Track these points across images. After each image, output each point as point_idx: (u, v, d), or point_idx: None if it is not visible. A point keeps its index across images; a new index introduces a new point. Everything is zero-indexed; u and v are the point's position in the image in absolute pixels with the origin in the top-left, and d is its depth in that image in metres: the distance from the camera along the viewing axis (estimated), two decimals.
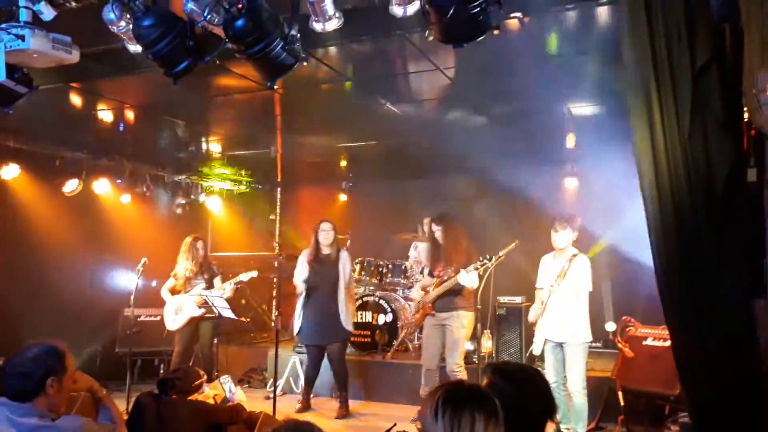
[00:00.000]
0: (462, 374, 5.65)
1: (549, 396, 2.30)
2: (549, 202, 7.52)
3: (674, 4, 2.62)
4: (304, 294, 6.41)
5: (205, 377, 4.57)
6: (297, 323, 6.49)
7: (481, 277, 5.55)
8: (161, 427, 3.85)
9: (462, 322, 5.70)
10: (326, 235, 6.40)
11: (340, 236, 8.35)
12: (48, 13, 3.29)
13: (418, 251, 7.86)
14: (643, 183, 2.80)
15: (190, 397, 4.12)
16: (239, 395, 5.43)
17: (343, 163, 8.97)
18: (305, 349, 6.73)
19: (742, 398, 2.67)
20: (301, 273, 6.42)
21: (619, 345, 5.57)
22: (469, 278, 5.53)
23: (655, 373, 5.15)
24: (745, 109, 2.59)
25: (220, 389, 5.38)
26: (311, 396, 6.70)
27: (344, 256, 6.52)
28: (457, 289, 5.67)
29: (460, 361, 5.72)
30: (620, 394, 5.43)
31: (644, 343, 5.47)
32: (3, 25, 3.25)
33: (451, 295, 5.71)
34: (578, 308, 5.20)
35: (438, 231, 5.83)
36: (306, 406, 6.56)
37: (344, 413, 6.36)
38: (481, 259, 5.50)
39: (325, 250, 6.43)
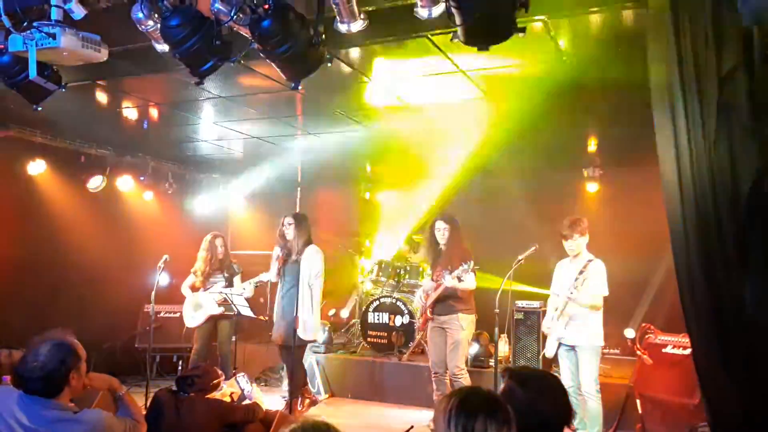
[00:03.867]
0: (464, 378, 5.57)
1: (566, 402, 2.29)
2: (570, 206, 7.49)
3: (702, 8, 2.60)
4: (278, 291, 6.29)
5: (223, 376, 4.61)
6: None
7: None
8: (179, 424, 3.90)
9: (461, 324, 5.62)
10: (287, 229, 6.16)
11: (356, 237, 8.40)
12: (78, 12, 3.35)
13: None
14: (666, 187, 2.78)
15: (207, 396, 4.16)
16: (256, 394, 5.46)
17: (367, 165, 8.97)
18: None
19: (763, 407, 2.63)
20: (271, 269, 6.32)
21: (638, 352, 5.51)
22: (454, 281, 5.43)
23: (674, 381, 5.09)
24: None
25: (237, 387, 5.42)
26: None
27: (309, 252, 6.07)
28: (452, 292, 5.59)
29: (461, 364, 5.63)
30: (638, 401, 5.38)
31: (664, 350, 5.42)
32: (35, 24, 3.31)
33: (449, 299, 5.65)
34: (593, 312, 5.13)
35: (445, 230, 5.70)
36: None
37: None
38: (468, 262, 5.41)
39: (291, 246, 6.17)
